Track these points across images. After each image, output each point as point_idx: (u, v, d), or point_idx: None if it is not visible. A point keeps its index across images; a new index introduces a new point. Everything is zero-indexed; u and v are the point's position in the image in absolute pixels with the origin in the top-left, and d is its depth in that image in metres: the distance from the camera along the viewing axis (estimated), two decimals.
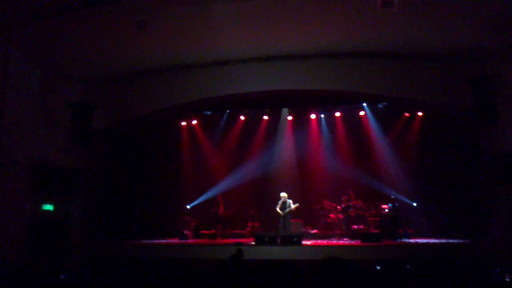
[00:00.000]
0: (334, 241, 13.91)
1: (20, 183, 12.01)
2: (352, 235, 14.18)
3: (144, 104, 14.49)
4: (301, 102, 15.87)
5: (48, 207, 12.77)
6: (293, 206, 13.93)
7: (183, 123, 17.27)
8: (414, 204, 15.03)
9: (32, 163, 12.32)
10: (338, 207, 14.91)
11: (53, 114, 13.28)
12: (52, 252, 12.45)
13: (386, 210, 14.63)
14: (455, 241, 12.81)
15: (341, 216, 14.61)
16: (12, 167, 11.65)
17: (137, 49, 12.58)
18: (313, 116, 16.76)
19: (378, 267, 6.44)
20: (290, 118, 16.98)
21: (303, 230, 15.01)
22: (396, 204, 14.33)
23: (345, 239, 14.06)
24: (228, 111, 16.71)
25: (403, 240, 13.56)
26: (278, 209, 14.03)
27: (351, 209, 14.59)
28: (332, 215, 15.13)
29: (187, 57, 13.42)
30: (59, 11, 10.30)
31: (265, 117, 17.08)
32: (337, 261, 3.45)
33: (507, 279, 5.64)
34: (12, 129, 11.76)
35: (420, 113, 15.59)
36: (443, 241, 12.99)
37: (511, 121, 11.65)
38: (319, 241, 14.05)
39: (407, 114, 15.86)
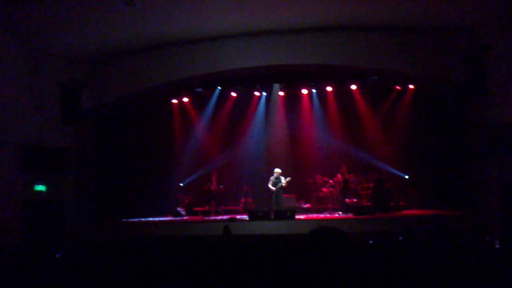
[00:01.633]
0: (327, 215, 14.03)
1: (11, 164, 11.97)
2: (345, 208, 14.31)
3: (133, 82, 14.37)
4: (292, 78, 15.79)
5: (41, 187, 12.74)
6: (284, 182, 13.98)
7: (174, 101, 17.16)
8: (406, 177, 15.15)
9: (22, 144, 12.25)
10: (330, 181, 15.00)
11: (41, 94, 13.15)
12: (46, 233, 12.47)
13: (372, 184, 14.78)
14: (447, 212, 12.96)
15: (336, 189, 14.71)
16: (2, 148, 11.57)
17: (125, 27, 12.42)
18: (304, 91, 16.70)
19: (371, 241, 6.51)
20: (281, 93, 16.92)
21: (296, 204, 15.13)
22: (382, 178, 14.42)
23: (338, 212, 14.19)
24: (219, 87, 16.60)
25: (396, 212, 13.70)
26: (270, 185, 14.10)
27: (350, 183, 14.69)
28: (324, 189, 15.23)
29: (176, 34, 13.26)
30: None
31: (257, 93, 17.01)
32: (329, 230, 3.47)
33: (497, 246, 5.73)
34: (1, 110, 11.64)
35: (411, 86, 15.58)
36: (434, 212, 13.14)
37: (501, 93, 11.69)
38: (312, 215, 14.17)
39: (398, 87, 15.85)
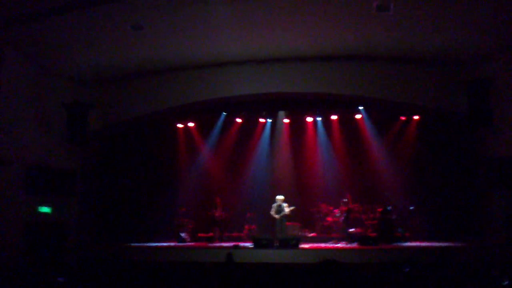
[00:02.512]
0: (331, 245, 13.91)
1: (16, 184, 11.96)
2: (350, 238, 14.18)
3: (140, 105, 14.50)
4: (297, 105, 15.87)
5: (45, 209, 12.71)
6: (287, 210, 13.92)
7: (180, 125, 17.25)
8: (411, 207, 15.04)
9: (28, 164, 12.27)
10: (335, 210, 14.92)
11: (48, 115, 13.22)
12: (49, 255, 12.40)
13: (378, 213, 14.66)
14: (452, 244, 12.82)
15: (340, 219, 14.61)
16: (8, 168, 11.59)
17: (133, 50, 12.60)
18: (309, 119, 16.76)
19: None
20: (286, 121, 16.98)
21: (300, 233, 15.00)
22: (389, 208, 14.34)
23: (342, 242, 14.06)
24: (224, 113, 16.70)
25: (401, 243, 13.57)
26: (272, 213, 14.01)
27: (352, 213, 14.60)
28: (329, 218, 15.14)
29: (183, 59, 13.43)
30: (54, 11, 10.25)
31: (262, 120, 17.08)
32: (333, 264, 3.46)
33: (505, 283, 5.66)
34: (7, 130, 11.67)
35: (416, 117, 15.62)
36: (440, 244, 13.02)
37: (505, 125, 11.71)
38: (317, 245, 14.05)
39: (403, 118, 15.88)
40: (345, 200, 14.55)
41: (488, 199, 12.54)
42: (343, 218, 14.44)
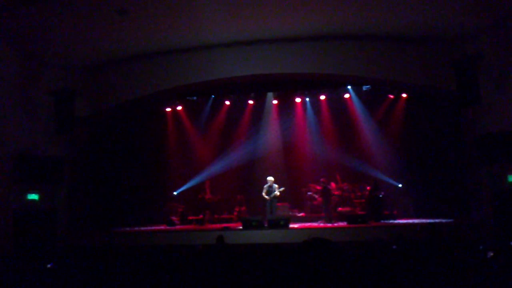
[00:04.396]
0: (321, 224, 14.02)
1: (4, 173, 11.88)
2: (339, 217, 14.30)
3: (127, 91, 14.38)
4: (286, 86, 15.82)
5: (33, 196, 12.66)
6: (277, 192, 14.00)
7: (168, 109, 17.16)
8: (400, 185, 15.18)
9: (15, 152, 12.17)
10: (318, 187, 15.04)
11: (35, 103, 13.10)
12: (39, 242, 12.38)
13: (367, 191, 14.76)
14: (440, 220, 12.98)
15: (320, 199, 14.75)
16: None
17: (119, 35, 12.45)
18: (298, 99, 16.75)
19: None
20: (275, 102, 16.95)
21: (290, 213, 15.10)
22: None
23: (320, 221, 14.18)
24: (212, 96, 16.62)
25: (389, 221, 13.72)
26: (264, 194, 14.09)
27: (332, 193, 14.66)
28: (319, 198, 15.25)
29: (170, 42, 13.30)
30: None
31: (250, 102, 17.04)
32: (321, 241, 3.48)
33: (490, 255, 5.75)
34: None
35: (404, 95, 15.66)
36: (428, 221, 13.17)
37: (493, 102, 11.79)
38: (306, 224, 14.16)
39: (391, 96, 15.92)
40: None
41: (475, 175, 12.68)
42: (322, 198, 14.53)
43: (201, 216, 15.56)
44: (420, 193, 14.82)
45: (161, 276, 5.07)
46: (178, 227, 14.92)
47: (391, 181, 15.26)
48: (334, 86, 15.63)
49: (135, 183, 16.35)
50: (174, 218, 15.29)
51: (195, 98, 16.30)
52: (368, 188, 14.92)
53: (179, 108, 17.05)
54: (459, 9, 11.16)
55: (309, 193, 15.50)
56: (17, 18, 10.93)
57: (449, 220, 12.92)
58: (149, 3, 10.72)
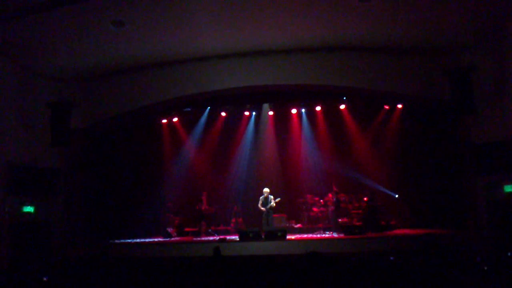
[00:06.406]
0: (318, 235, 13.99)
1: (0, 185, 11.81)
2: (336, 228, 14.28)
3: (123, 102, 14.38)
4: (281, 97, 15.87)
5: (29, 209, 12.58)
6: (273, 203, 14.01)
7: (164, 121, 17.16)
8: (396, 196, 15.19)
9: (11, 164, 12.13)
10: (321, 200, 15.03)
11: (31, 114, 13.09)
12: (34, 254, 12.29)
13: (365, 202, 14.75)
14: (437, 230, 12.97)
15: (329, 209, 14.72)
16: None
17: (115, 47, 12.47)
18: (294, 110, 16.80)
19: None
20: (271, 113, 16.99)
21: (287, 224, 15.08)
22: (375, 196, 14.44)
23: (328, 232, 14.15)
24: (208, 107, 16.65)
25: (386, 231, 13.70)
26: (259, 206, 14.11)
27: (342, 203, 14.70)
28: (315, 209, 15.24)
29: (165, 54, 13.33)
30: (33, 9, 10.10)
31: (246, 113, 17.07)
32: (317, 256, 3.49)
33: (485, 268, 5.75)
34: None
35: (399, 106, 15.72)
36: (425, 231, 13.15)
37: (488, 112, 11.88)
38: (303, 235, 14.12)
39: (386, 107, 15.98)
40: (335, 189, 14.66)
41: (472, 185, 12.69)
42: (333, 208, 14.54)
43: (197, 228, 15.50)
44: (418, 203, 14.83)
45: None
46: (174, 239, 14.85)
47: (388, 191, 15.26)
48: (330, 97, 15.67)
49: (131, 194, 16.30)
50: (170, 229, 15.22)
51: (190, 109, 16.32)
52: (365, 199, 14.91)
53: (175, 119, 17.05)
54: (453, 21, 11.27)
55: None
56: (13, 30, 10.94)
57: (446, 230, 12.91)
58: (144, 15, 10.77)
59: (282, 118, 17.06)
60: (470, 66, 11.59)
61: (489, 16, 10.97)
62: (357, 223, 14.39)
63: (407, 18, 11.24)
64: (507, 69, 11.39)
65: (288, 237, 12.94)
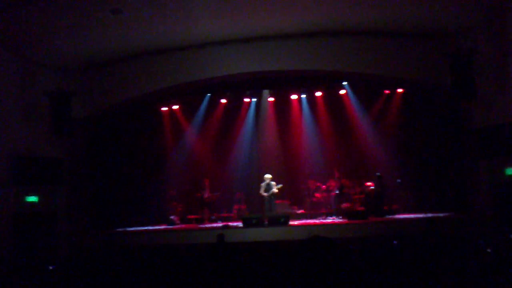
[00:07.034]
0: (321, 220, 14.05)
1: (2, 175, 11.86)
2: (338, 213, 14.34)
3: (123, 90, 14.37)
4: (281, 83, 15.84)
5: (32, 198, 12.64)
6: (275, 189, 14.05)
7: (164, 108, 17.15)
8: (398, 180, 15.19)
9: (14, 154, 12.16)
10: (323, 186, 15.06)
11: (32, 104, 13.08)
12: (39, 244, 12.37)
13: (371, 188, 14.76)
14: (439, 215, 13.01)
15: (332, 195, 14.76)
16: None
17: (114, 35, 12.40)
18: (294, 96, 16.76)
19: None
20: (271, 99, 16.96)
21: (290, 210, 15.14)
22: (382, 181, 14.46)
23: (331, 217, 14.21)
24: (209, 94, 16.62)
25: (389, 216, 13.74)
26: (262, 192, 14.15)
27: (344, 188, 14.73)
28: (317, 195, 15.27)
29: (165, 41, 13.27)
30: None
31: (246, 100, 17.04)
32: (321, 239, 3.50)
33: (489, 250, 5.78)
34: None
35: (400, 90, 15.68)
36: (427, 215, 13.19)
37: (488, 96, 11.83)
38: (306, 221, 14.19)
39: (387, 91, 15.94)
40: (337, 175, 14.69)
41: (473, 169, 12.70)
42: (335, 193, 14.58)
43: (200, 215, 15.57)
44: (420, 188, 14.86)
45: (163, 275, 5.08)
46: (178, 226, 14.92)
47: (389, 176, 15.27)
48: (330, 82, 15.63)
49: (134, 183, 16.34)
50: (173, 217, 15.29)
51: (190, 97, 16.30)
52: (366, 184, 14.93)
53: (176, 107, 17.04)
54: (454, 3, 11.19)
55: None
56: (13, 20, 10.89)
57: (449, 214, 12.96)
58: (143, 3, 10.70)
59: (283, 104, 17.02)
60: (471, 50, 11.52)
61: (490, 0, 10.90)
62: (359, 208, 14.43)
63: (408, 1, 11.17)
64: (508, 53, 11.31)
65: (290, 222, 13.01)
